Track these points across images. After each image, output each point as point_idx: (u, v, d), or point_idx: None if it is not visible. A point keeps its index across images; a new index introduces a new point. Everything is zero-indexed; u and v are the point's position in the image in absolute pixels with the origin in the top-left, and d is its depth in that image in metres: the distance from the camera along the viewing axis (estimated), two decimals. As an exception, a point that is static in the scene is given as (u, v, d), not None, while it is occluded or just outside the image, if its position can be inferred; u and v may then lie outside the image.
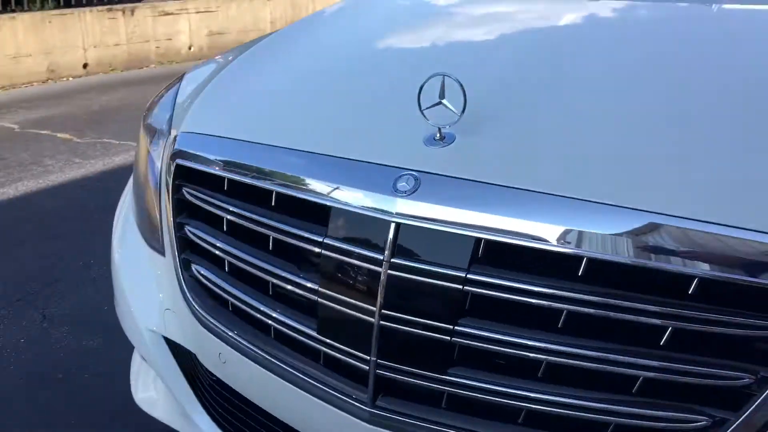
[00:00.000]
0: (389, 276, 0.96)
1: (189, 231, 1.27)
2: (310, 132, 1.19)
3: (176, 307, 1.31)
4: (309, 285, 1.06)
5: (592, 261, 0.86)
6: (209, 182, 1.24)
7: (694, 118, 0.99)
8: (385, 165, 1.01)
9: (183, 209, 1.30)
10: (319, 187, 1.06)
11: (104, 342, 2.25)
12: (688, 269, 0.81)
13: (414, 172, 0.97)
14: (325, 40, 1.66)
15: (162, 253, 1.38)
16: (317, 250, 1.04)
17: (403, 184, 0.96)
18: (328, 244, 1.02)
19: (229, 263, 1.21)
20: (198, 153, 1.26)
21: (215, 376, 1.31)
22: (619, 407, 0.86)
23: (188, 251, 1.29)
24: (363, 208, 0.98)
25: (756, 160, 0.89)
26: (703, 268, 0.80)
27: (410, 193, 0.95)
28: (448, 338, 0.93)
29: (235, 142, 1.22)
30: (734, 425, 0.81)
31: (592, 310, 0.86)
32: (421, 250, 0.95)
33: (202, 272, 1.25)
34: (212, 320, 1.22)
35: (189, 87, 1.60)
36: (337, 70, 1.41)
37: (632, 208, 0.85)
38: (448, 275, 0.92)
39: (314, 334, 1.07)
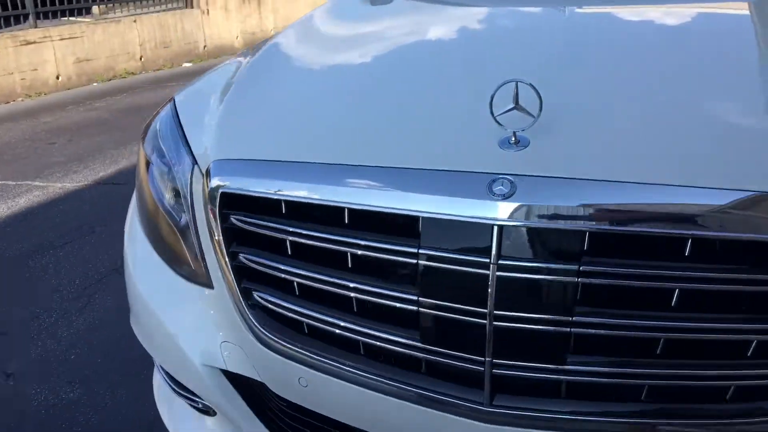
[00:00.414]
0: (498, 277, 1.00)
1: (246, 259, 1.25)
2: (370, 145, 1.20)
3: (237, 338, 1.29)
4: (406, 296, 1.08)
5: (695, 240, 0.95)
6: (262, 207, 1.22)
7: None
8: (473, 172, 1.05)
9: (232, 238, 1.27)
10: (403, 200, 1.08)
11: (85, 391, 2.12)
12: None
13: (508, 176, 1.02)
14: (341, 48, 1.71)
15: (206, 285, 1.34)
16: (412, 261, 1.07)
17: (500, 187, 1.01)
18: (426, 254, 1.05)
19: (300, 285, 1.20)
20: (249, 180, 1.24)
21: (285, 401, 1.29)
22: (737, 371, 0.96)
23: (245, 280, 1.26)
24: (461, 215, 1.02)
25: None
26: None
27: (509, 196, 1.00)
28: (568, 329, 0.99)
29: (291, 165, 1.22)
30: None
31: (701, 286, 0.95)
32: (527, 249, 1.00)
33: (267, 299, 1.24)
34: (287, 345, 1.21)
35: (190, 111, 1.56)
36: (373, 80, 1.45)
37: (719, 188, 0.95)
38: (561, 269, 0.98)
39: (417, 343, 1.09)
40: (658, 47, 1.41)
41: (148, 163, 1.57)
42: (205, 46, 9.44)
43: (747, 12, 1.63)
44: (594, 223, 0.98)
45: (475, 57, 1.47)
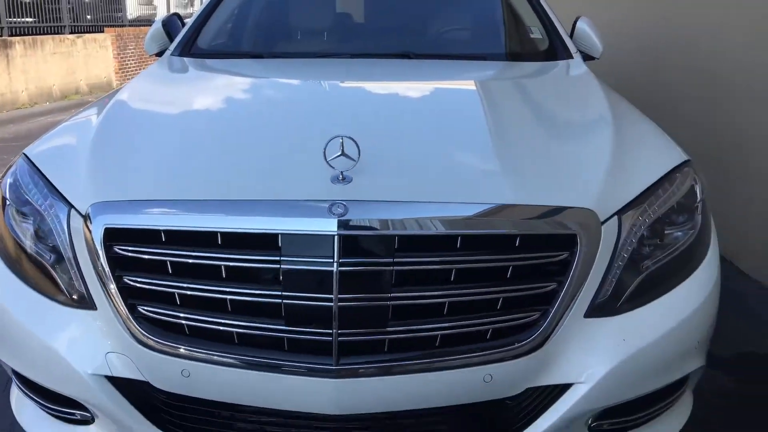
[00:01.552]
0: (340, 272, 1.45)
1: (130, 280, 1.54)
2: (230, 183, 1.61)
3: (122, 347, 1.56)
4: (273, 293, 1.47)
5: (463, 236, 1.48)
6: (143, 237, 1.53)
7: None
8: (317, 199, 1.49)
9: (116, 265, 1.55)
10: (264, 223, 1.48)
11: None
12: (505, 231, 1.49)
13: (342, 201, 1.48)
14: (185, 104, 2.23)
15: (88, 307, 1.59)
16: (275, 266, 1.46)
17: (338, 209, 1.47)
18: (286, 260, 1.46)
19: (181, 295, 1.53)
20: (128, 216, 1.54)
21: (165, 394, 1.58)
22: (493, 318, 1.50)
23: (130, 298, 1.55)
24: (312, 230, 1.45)
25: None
26: (516, 229, 1.49)
27: (344, 215, 1.46)
28: (387, 303, 1.46)
29: (167, 202, 1.56)
30: (552, 311, 1.50)
31: (468, 265, 1.48)
32: (357, 251, 1.46)
33: (151, 310, 1.54)
34: (171, 344, 1.52)
35: (50, 162, 1.81)
36: (223, 130, 1.91)
37: (471, 203, 1.51)
38: (382, 262, 1.46)
39: (282, 327, 1.48)
40: (419, 107, 2.05)
41: (4, 213, 1.78)
42: (-54, 108, 8.75)
43: (474, 87, 2.34)
44: (400, 230, 1.46)
45: (299, 114, 2.00)
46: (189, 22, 3.17)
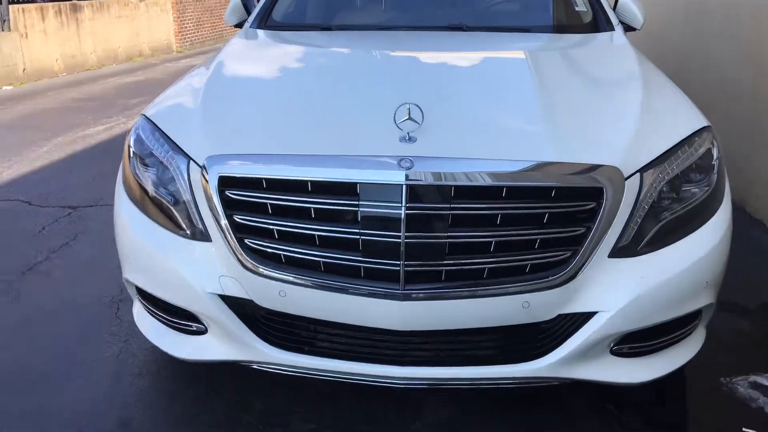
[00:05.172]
0: (407, 215, 1.79)
1: (239, 218, 1.91)
2: (318, 140, 1.98)
3: (232, 272, 1.95)
4: (353, 230, 1.83)
5: (509, 187, 1.80)
6: (249, 184, 1.90)
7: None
8: (389, 155, 1.83)
9: (227, 205, 1.92)
10: (346, 174, 1.83)
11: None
12: (544, 183, 1.81)
13: (409, 157, 1.82)
14: (277, 71, 2.63)
15: (204, 239, 1.98)
16: (355, 209, 1.82)
17: (406, 164, 1.81)
18: (364, 204, 1.81)
19: (279, 231, 1.89)
20: (237, 166, 1.91)
21: (265, 310, 1.96)
22: (531, 255, 1.82)
23: (238, 232, 1.92)
24: (383, 180, 1.80)
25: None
26: (553, 182, 1.81)
27: (410, 168, 1.80)
28: (445, 241, 1.80)
29: (267, 156, 1.92)
30: (581, 251, 1.83)
31: (511, 212, 1.81)
32: (421, 198, 1.80)
33: (256, 242, 1.91)
34: (271, 270, 1.90)
35: (168, 122, 2.19)
36: (312, 95, 2.28)
37: (517, 160, 1.84)
38: (441, 207, 1.79)
39: (359, 258, 1.84)
40: (474, 75, 2.38)
41: (130, 164, 2.18)
42: (24, 69, 9.35)
43: (522, 57, 2.65)
44: (455, 181, 1.80)
45: (371, 82, 2.38)
46: (262, -3, 3.51)
